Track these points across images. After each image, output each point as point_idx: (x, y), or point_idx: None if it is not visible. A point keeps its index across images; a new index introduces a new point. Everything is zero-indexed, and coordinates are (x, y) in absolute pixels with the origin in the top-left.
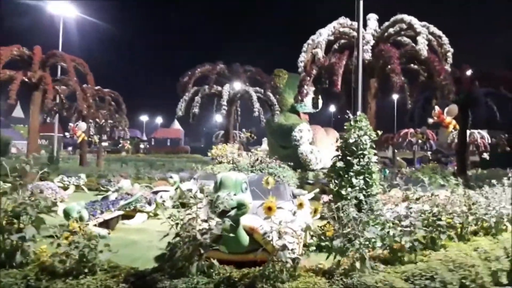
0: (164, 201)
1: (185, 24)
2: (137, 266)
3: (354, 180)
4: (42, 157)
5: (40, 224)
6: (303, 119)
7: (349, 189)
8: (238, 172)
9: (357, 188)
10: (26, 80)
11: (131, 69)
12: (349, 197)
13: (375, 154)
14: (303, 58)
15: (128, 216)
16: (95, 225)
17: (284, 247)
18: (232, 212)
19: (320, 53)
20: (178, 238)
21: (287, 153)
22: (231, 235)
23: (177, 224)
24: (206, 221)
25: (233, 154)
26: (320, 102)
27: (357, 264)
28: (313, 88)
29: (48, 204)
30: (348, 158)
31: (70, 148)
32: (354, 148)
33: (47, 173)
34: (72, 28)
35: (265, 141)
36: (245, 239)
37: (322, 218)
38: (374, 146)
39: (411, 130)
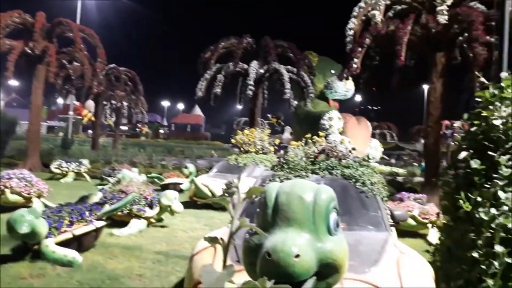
0: (169, 204)
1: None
2: None
3: (501, 194)
4: (56, 139)
5: None
6: (332, 106)
7: (493, 210)
8: (316, 183)
9: (507, 208)
10: (28, 51)
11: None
12: (493, 225)
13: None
14: (352, 24)
15: (119, 221)
16: (59, 243)
17: None
18: (309, 284)
19: (379, 16)
20: None
21: None
22: None
23: None
24: None
25: (263, 142)
26: (353, 86)
27: None
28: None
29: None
30: (489, 153)
31: (90, 131)
32: (502, 136)
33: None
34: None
35: (287, 129)
36: None
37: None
38: None
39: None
